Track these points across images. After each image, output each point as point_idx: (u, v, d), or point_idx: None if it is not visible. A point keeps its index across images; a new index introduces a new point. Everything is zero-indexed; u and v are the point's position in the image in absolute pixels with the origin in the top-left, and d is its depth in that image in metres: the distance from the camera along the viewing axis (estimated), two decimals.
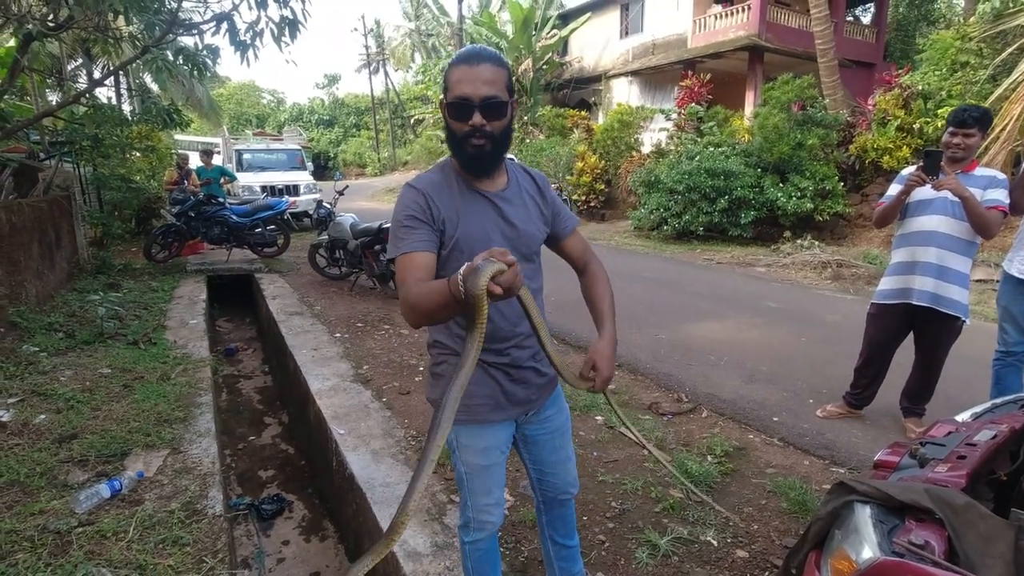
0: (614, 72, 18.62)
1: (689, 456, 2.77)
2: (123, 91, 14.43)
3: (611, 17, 19.07)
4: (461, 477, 1.50)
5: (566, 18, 19.94)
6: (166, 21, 5.43)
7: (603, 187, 13.54)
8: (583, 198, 13.42)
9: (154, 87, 15.52)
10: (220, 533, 2.17)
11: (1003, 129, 8.14)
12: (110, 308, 4.83)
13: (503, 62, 1.28)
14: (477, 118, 1.24)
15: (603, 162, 13.72)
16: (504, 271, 0.93)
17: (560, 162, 14.44)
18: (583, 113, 17.05)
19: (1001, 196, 2.68)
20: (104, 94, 14.31)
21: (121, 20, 6.22)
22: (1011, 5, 9.02)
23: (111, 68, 8.41)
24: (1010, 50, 8.72)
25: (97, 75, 11.93)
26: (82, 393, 3.30)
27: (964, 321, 2.82)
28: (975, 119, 2.67)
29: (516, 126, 18.86)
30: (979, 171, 2.75)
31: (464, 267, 0.97)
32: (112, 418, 3.03)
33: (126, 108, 12.04)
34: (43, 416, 2.98)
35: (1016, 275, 2.76)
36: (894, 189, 2.94)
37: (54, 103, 7.47)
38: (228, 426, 4.21)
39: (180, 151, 11.16)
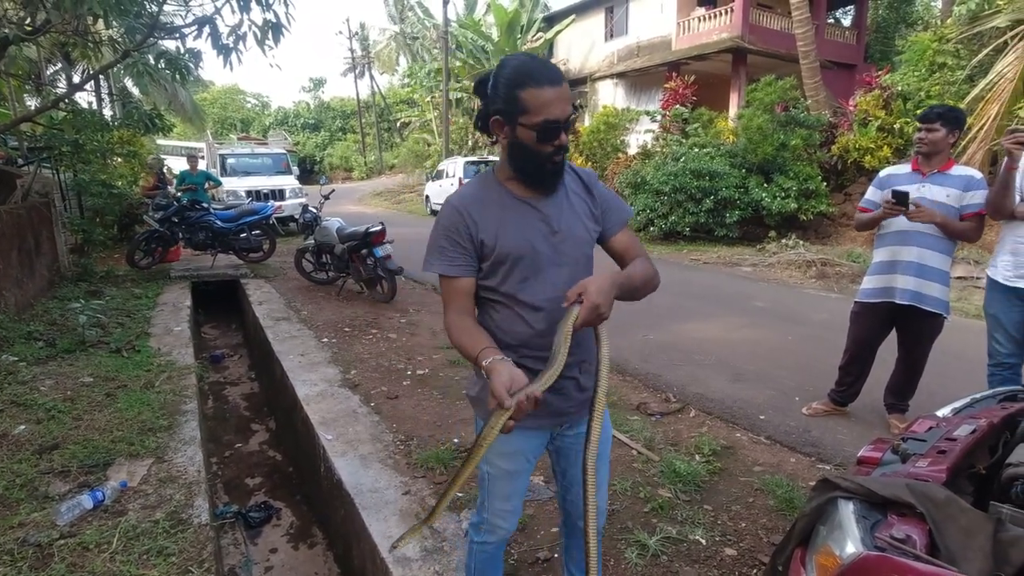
0: (599, 74, 18.73)
1: (677, 456, 2.78)
2: (104, 95, 14.24)
3: (596, 20, 19.20)
4: (484, 477, 1.50)
5: (551, 21, 20.05)
6: (147, 25, 5.37)
7: None
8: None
9: (135, 91, 15.36)
10: (206, 542, 2.14)
11: (980, 128, 8.31)
12: (92, 316, 4.76)
13: None
14: (563, 137, 1.22)
15: (590, 164, 13.77)
16: (514, 411, 1.09)
17: None
18: None
19: (984, 198, 2.73)
20: (84, 99, 14.13)
21: (100, 24, 6.13)
22: (986, 7, 9.21)
23: (91, 72, 8.30)
24: (986, 51, 8.91)
25: (76, 79, 11.76)
26: (63, 403, 3.24)
27: (945, 318, 2.87)
28: (938, 114, 2.75)
29: None
30: (956, 170, 2.80)
31: (490, 361, 1.15)
32: (94, 427, 2.98)
33: (107, 113, 11.87)
34: (23, 427, 2.92)
35: (1003, 281, 2.65)
36: (872, 193, 3.01)
37: (32, 108, 7.34)
38: (214, 433, 4.16)
39: (156, 156, 11.01)
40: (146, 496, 2.41)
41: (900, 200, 2.71)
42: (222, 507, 3.12)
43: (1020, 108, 8.15)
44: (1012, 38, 8.40)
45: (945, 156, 2.82)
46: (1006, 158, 2.40)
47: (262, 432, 4.36)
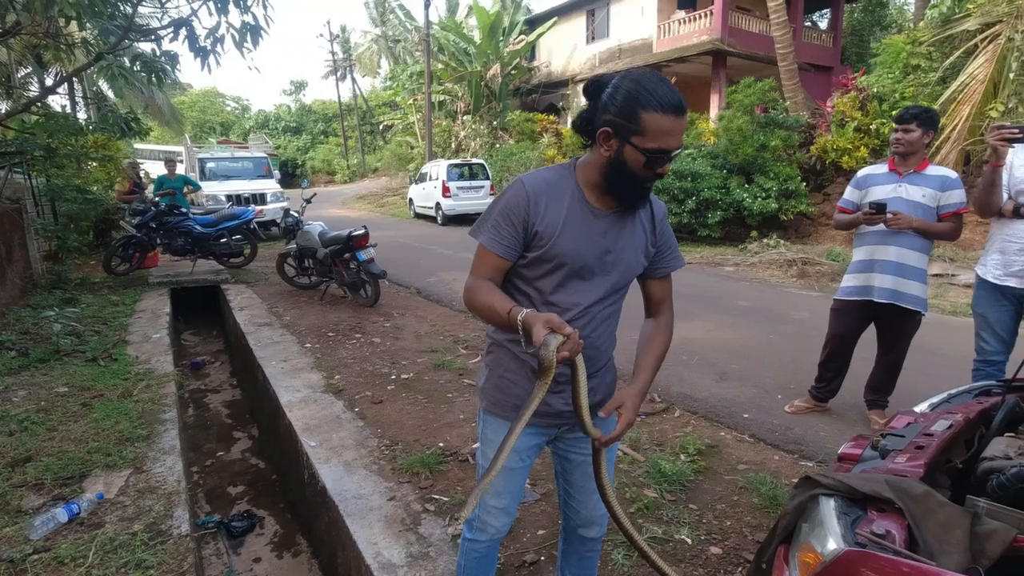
0: (582, 77, 18.82)
1: (663, 455, 2.79)
2: (78, 99, 13.96)
3: (577, 23, 19.30)
4: (479, 470, 1.51)
5: (533, 24, 20.11)
6: (121, 27, 5.27)
7: None
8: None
9: (111, 94, 15.08)
10: (187, 553, 2.10)
11: (953, 129, 8.50)
12: (66, 324, 4.66)
13: None
14: (667, 167, 1.21)
15: None
16: (565, 342, 1.08)
17: (530, 166, 14.51)
18: (552, 117, 17.20)
19: (960, 197, 2.81)
20: (57, 102, 13.85)
21: (73, 25, 6.02)
22: (957, 11, 9.44)
23: (63, 75, 8.13)
24: (957, 53, 9.12)
25: (49, 82, 11.51)
26: (37, 414, 3.16)
27: (923, 314, 2.93)
28: (913, 115, 2.81)
29: (486, 131, 18.93)
30: (931, 170, 2.87)
31: (524, 313, 1.13)
32: (70, 439, 2.91)
33: (81, 116, 11.64)
34: None
35: (993, 280, 2.63)
36: (851, 193, 3.07)
37: (3, 112, 7.16)
38: (195, 442, 4.09)
39: (131, 160, 10.81)
40: (124, 508, 2.35)
41: (879, 210, 2.78)
42: (203, 517, 3.06)
43: (991, 109, 8.35)
44: (981, 41, 8.61)
45: (921, 156, 2.88)
46: (991, 155, 2.41)
47: (244, 440, 4.30)
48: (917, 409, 1.61)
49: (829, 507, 1.10)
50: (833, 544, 1.02)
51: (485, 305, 1.25)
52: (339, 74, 35.31)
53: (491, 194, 14.45)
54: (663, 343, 1.44)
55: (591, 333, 1.37)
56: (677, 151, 1.19)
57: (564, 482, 1.57)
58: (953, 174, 2.85)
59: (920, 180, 2.84)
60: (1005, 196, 2.53)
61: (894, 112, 9.60)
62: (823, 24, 20.02)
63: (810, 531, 1.11)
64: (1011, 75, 8.25)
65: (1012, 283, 2.54)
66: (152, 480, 2.58)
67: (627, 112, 1.16)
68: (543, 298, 1.33)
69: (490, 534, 1.51)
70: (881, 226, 2.86)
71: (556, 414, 1.41)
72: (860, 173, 3.09)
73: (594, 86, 1.25)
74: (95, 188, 9.03)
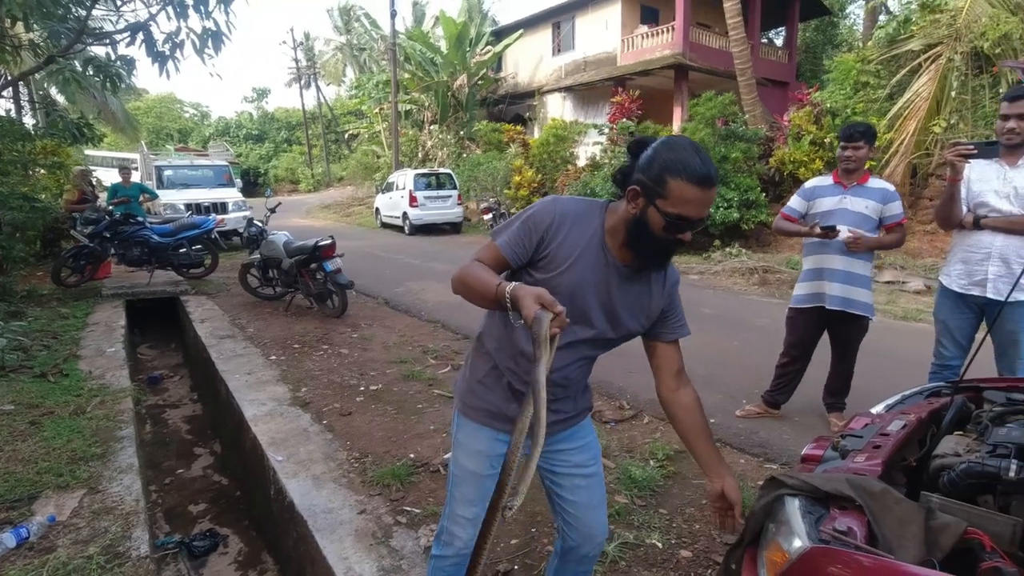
0: (548, 88, 19.06)
1: (633, 462, 2.83)
2: (23, 102, 13.36)
3: (543, 35, 19.57)
4: (451, 479, 1.49)
5: (500, 35, 20.27)
6: (73, 29, 5.09)
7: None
8: (520, 211, 13.61)
9: (60, 99, 14.48)
10: None
11: (901, 143, 8.93)
12: (12, 338, 4.43)
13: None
14: (688, 236, 1.22)
15: (540, 176, 13.97)
16: (555, 318, 1.06)
17: (498, 176, 14.59)
18: (519, 128, 17.32)
19: (900, 208, 3.02)
20: (2, 106, 13.20)
21: (20, 26, 5.78)
22: (902, 32, 9.96)
23: (8, 78, 7.78)
24: (903, 72, 9.62)
25: None
26: None
27: (870, 319, 3.09)
28: (860, 133, 2.98)
29: (453, 141, 18.94)
30: (872, 183, 3.05)
31: (512, 285, 1.12)
32: (17, 459, 2.76)
33: (28, 121, 11.14)
34: None
35: (957, 289, 2.68)
36: (796, 202, 3.21)
37: None
38: (154, 460, 3.93)
39: (83, 167, 10.41)
40: (78, 530, 2.24)
41: (829, 232, 2.95)
42: (163, 537, 2.94)
43: (935, 124, 8.83)
44: (925, 61, 9.12)
45: (863, 170, 3.05)
46: (950, 170, 2.51)
47: (206, 456, 4.16)
48: (873, 411, 1.68)
49: (794, 507, 1.14)
50: (798, 542, 1.05)
51: (476, 278, 1.23)
52: (303, 82, 34.83)
53: (458, 203, 14.43)
54: (700, 410, 1.46)
55: (567, 365, 1.38)
56: (699, 222, 1.21)
57: (557, 498, 1.54)
58: (891, 187, 3.06)
59: (863, 192, 3.01)
60: (965, 209, 2.62)
61: (838, 125, 10.10)
62: (779, 41, 20.84)
63: (776, 531, 1.15)
64: (952, 93, 8.74)
65: (975, 292, 2.62)
66: (108, 500, 2.47)
67: (656, 176, 1.19)
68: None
69: (457, 547, 1.49)
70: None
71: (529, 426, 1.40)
72: (807, 184, 3.24)
73: (637, 145, 1.29)
74: (43, 196, 8.63)
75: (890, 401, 1.74)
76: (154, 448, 4.16)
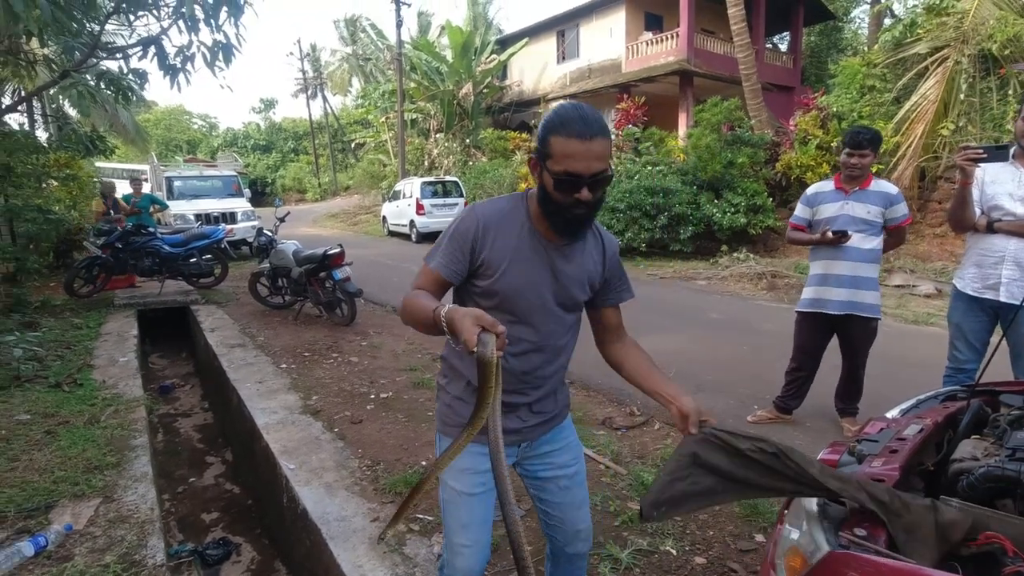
0: (553, 95, 19.12)
1: (644, 468, 2.82)
2: (37, 116, 13.56)
3: (548, 43, 19.67)
4: (443, 508, 1.46)
5: (504, 43, 20.40)
6: (87, 44, 5.17)
7: None
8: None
9: (73, 112, 14.70)
10: None
11: (909, 147, 8.90)
12: (27, 349, 4.48)
13: (608, 129, 1.23)
14: (585, 193, 1.20)
15: None
16: (495, 339, 1.01)
17: (504, 183, 14.64)
18: (524, 135, 17.40)
19: (905, 210, 3.03)
20: (16, 120, 13.40)
21: (35, 42, 5.88)
22: (908, 35, 9.94)
23: (23, 93, 7.91)
24: (909, 75, 9.60)
25: (8, 100, 11.17)
26: None
27: (878, 319, 3.09)
28: (868, 140, 2.96)
29: (458, 149, 19.03)
30: (874, 186, 3.05)
31: (447, 308, 1.08)
32: (34, 468, 2.78)
33: (42, 135, 11.31)
34: None
35: (971, 293, 2.67)
36: (801, 210, 3.22)
37: None
38: (166, 469, 3.96)
39: (105, 179, 10.58)
40: (94, 539, 2.26)
41: (841, 237, 2.96)
42: (177, 546, 2.96)
43: (942, 127, 8.79)
44: (932, 64, 9.10)
45: (865, 174, 3.04)
46: (960, 174, 2.49)
47: (218, 464, 4.18)
48: (888, 415, 1.67)
49: (812, 511, 1.14)
50: (818, 547, 1.05)
51: (415, 307, 1.22)
52: (310, 92, 35.14)
53: None
54: (643, 352, 1.47)
55: (540, 365, 1.39)
56: (592, 175, 1.18)
57: (540, 503, 1.54)
58: (894, 189, 3.05)
59: (864, 197, 3.02)
60: (978, 212, 2.61)
61: (845, 128, 10.07)
62: (783, 46, 20.84)
63: (796, 535, 1.15)
64: (960, 96, 8.71)
65: (989, 295, 2.60)
66: (123, 509, 2.49)
67: (542, 138, 1.22)
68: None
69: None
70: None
71: (514, 431, 1.39)
72: (810, 191, 3.25)
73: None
74: (56, 208, 8.76)
75: (905, 405, 1.74)
76: (167, 457, 4.19)
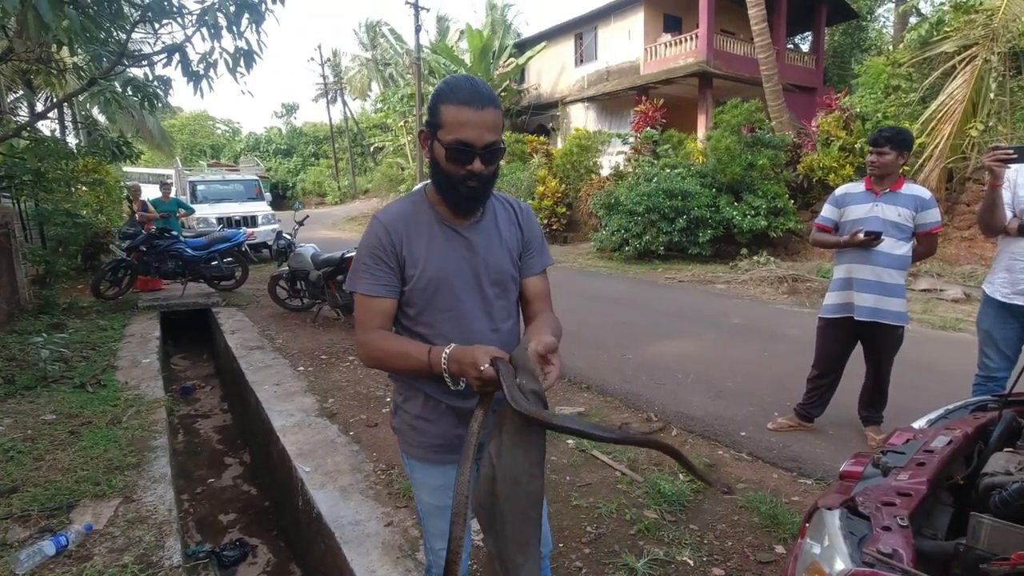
0: (571, 98, 19.10)
1: (661, 475, 2.77)
2: (68, 123, 13.95)
3: (566, 46, 19.65)
4: (420, 516, 1.46)
5: (522, 47, 20.43)
6: (114, 52, 5.30)
7: (564, 210, 13.77)
8: (545, 221, 13.61)
9: (101, 119, 15.08)
10: None
11: (935, 147, 8.68)
12: (54, 350, 4.58)
13: (499, 102, 1.21)
14: (477, 164, 1.18)
15: (563, 186, 13.96)
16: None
17: (521, 187, 14.63)
18: (542, 139, 17.37)
19: (936, 216, 2.89)
20: (47, 126, 13.81)
21: (65, 51, 6.03)
22: (935, 34, 9.71)
23: (54, 100, 8.13)
24: (936, 74, 9.37)
25: (39, 107, 11.51)
26: (23, 442, 3.09)
27: (904, 327, 2.98)
28: (886, 139, 2.86)
29: None
30: (906, 189, 2.93)
31: (448, 355, 1.10)
32: (57, 468, 2.84)
33: (71, 140, 11.61)
34: None
35: (1001, 299, 2.60)
36: (829, 211, 3.12)
37: None
38: (185, 469, 4.01)
39: (131, 182, 10.84)
40: (113, 539, 2.29)
41: (873, 240, 2.85)
42: (194, 547, 2.99)
43: (971, 128, 8.56)
44: (959, 62, 8.87)
45: (896, 176, 2.94)
46: (989, 176, 2.42)
47: (236, 466, 4.22)
48: (915, 425, 1.61)
49: (835, 525, 1.10)
50: (841, 564, 1.01)
51: (394, 352, 1.20)
52: (330, 97, 35.58)
53: None
54: (553, 321, 1.34)
55: (500, 347, 1.34)
56: (484, 146, 1.16)
57: None
58: (927, 193, 2.92)
59: (895, 199, 2.91)
60: (1009, 215, 2.53)
61: (868, 130, 9.86)
62: (805, 47, 20.53)
63: (816, 550, 1.11)
64: (990, 95, 8.48)
65: (1020, 301, 2.53)
66: (142, 509, 2.52)
67: (432, 108, 1.19)
68: (435, 332, 1.28)
69: None
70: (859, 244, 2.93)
71: (480, 445, 1.37)
72: (838, 191, 3.15)
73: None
74: (84, 212, 8.99)
75: (933, 415, 1.68)
76: (186, 457, 4.25)
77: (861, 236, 2.87)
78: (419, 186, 1.37)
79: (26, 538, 2.26)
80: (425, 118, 1.21)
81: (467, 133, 1.15)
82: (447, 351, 1.12)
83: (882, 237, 2.85)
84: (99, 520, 2.40)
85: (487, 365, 1.06)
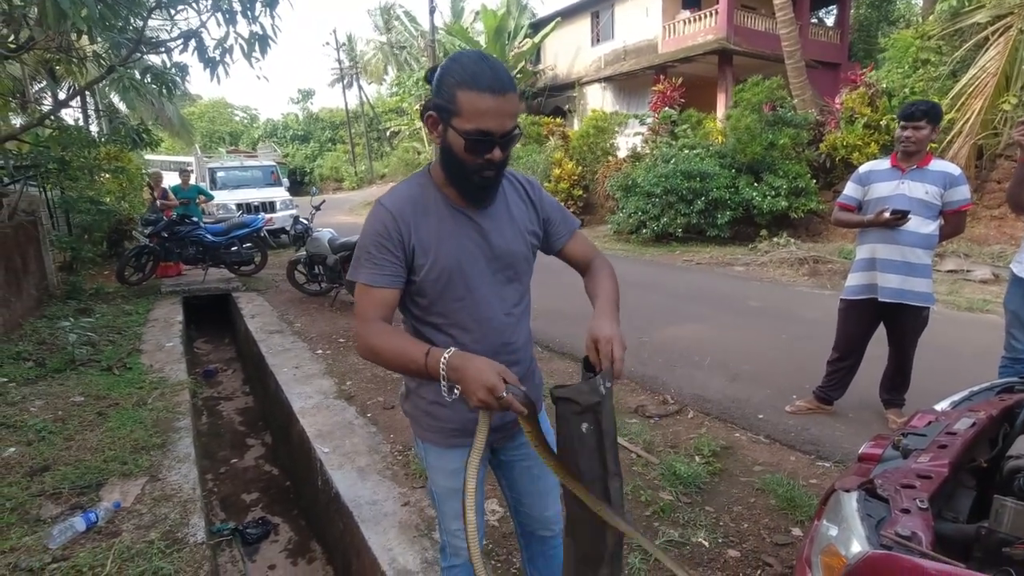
0: (587, 79, 18.81)
1: (677, 457, 2.77)
2: (90, 112, 14.15)
3: (582, 25, 19.31)
4: (434, 499, 1.47)
5: (538, 27, 20.12)
6: (132, 40, 5.35)
7: (581, 192, 13.64)
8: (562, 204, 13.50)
9: (122, 107, 15.28)
10: (203, 561, 2.11)
11: (965, 123, 8.39)
12: (81, 334, 4.71)
13: (516, 84, 1.15)
14: (497, 153, 1.12)
15: (580, 168, 13.81)
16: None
17: (537, 169, 14.51)
18: (558, 120, 17.16)
19: (966, 193, 2.78)
20: (70, 115, 14.01)
21: (85, 39, 6.10)
22: (967, 4, 9.32)
23: (76, 88, 8.24)
24: (967, 46, 9.02)
25: (62, 96, 11.68)
26: (54, 423, 3.20)
27: (930, 308, 2.90)
28: (923, 112, 2.74)
29: None
30: (934, 165, 2.82)
31: (448, 358, 1.04)
32: (86, 448, 2.93)
33: (93, 129, 11.79)
34: (12, 449, 2.87)
35: None
36: (852, 189, 3.02)
37: (17, 126, 7.27)
38: (209, 450, 4.11)
39: (152, 170, 11.01)
40: (140, 516, 2.37)
41: (900, 218, 2.75)
42: (218, 524, 3.07)
43: (1003, 102, 8.24)
44: (993, 33, 8.51)
45: (924, 152, 2.83)
46: (1020, 151, 2.33)
47: (257, 447, 4.31)
48: (938, 407, 1.58)
49: (852, 507, 1.08)
50: (857, 546, 1.00)
51: (392, 349, 1.13)
52: (345, 82, 35.58)
53: None
54: (608, 277, 1.34)
55: (511, 338, 1.32)
56: (504, 134, 1.11)
57: (511, 492, 1.52)
58: (957, 170, 2.80)
59: (922, 176, 2.80)
60: None
61: (895, 106, 9.54)
62: (829, 21, 19.90)
63: (833, 532, 1.09)
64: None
65: None
66: (168, 488, 2.59)
67: (447, 93, 1.09)
68: (448, 322, 1.26)
69: (464, 556, 1.46)
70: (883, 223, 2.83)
71: (496, 428, 1.35)
72: (862, 169, 3.04)
73: (430, 73, 1.17)
74: (108, 199, 9.15)
75: (956, 397, 1.64)
76: (209, 438, 4.35)
77: (887, 215, 2.77)
78: (422, 169, 1.32)
79: (58, 514, 2.34)
80: (433, 99, 1.14)
81: (488, 122, 1.08)
82: (446, 356, 1.05)
83: (909, 216, 2.75)
84: (127, 498, 2.48)
85: (506, 394, 1.01)
